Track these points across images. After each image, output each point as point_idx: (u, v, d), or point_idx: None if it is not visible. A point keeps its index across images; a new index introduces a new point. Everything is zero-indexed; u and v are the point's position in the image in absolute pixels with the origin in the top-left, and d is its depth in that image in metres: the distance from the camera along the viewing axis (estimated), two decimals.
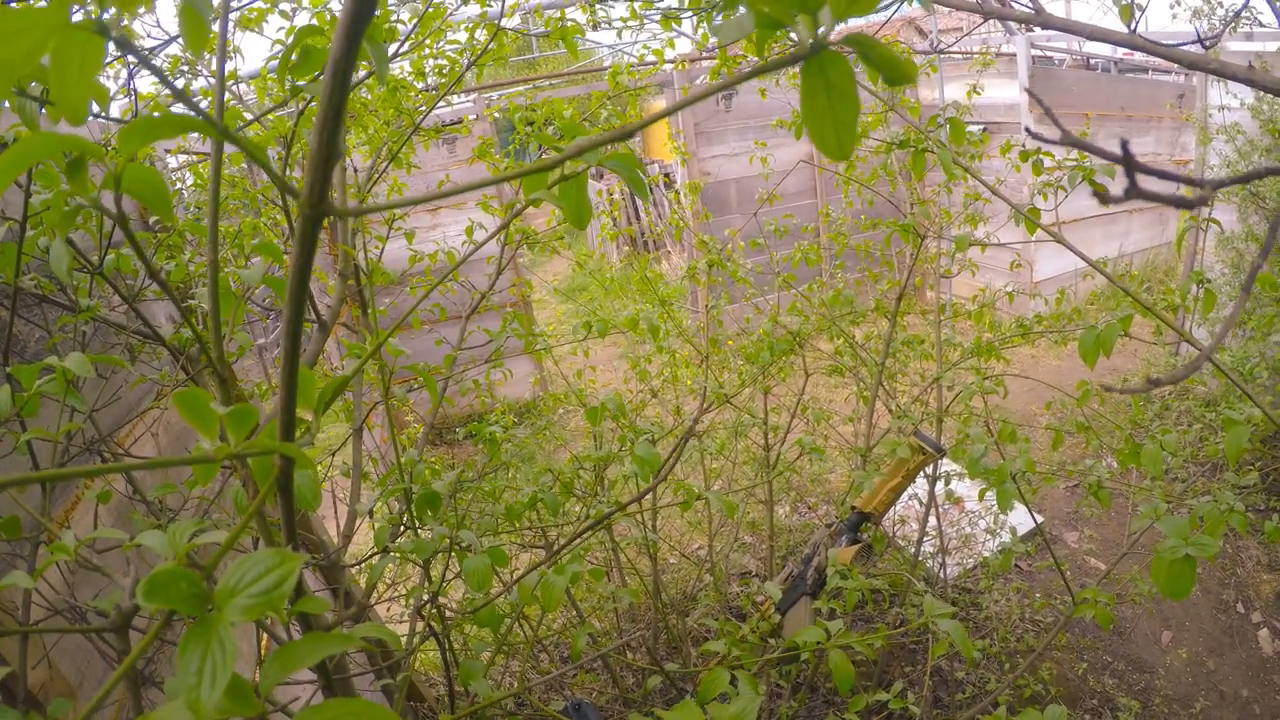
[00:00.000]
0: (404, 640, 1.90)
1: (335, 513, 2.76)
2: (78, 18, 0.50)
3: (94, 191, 0.76)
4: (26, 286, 1.42)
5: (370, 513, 2.19)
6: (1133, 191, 0.52)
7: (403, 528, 2.04)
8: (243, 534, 0.72)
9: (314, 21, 2.16)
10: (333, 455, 2.90)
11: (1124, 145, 0.42)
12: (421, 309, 3.88)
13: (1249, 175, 0.52)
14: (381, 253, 3.40)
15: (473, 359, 3.18)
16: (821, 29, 0.45)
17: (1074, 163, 2.11)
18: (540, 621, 3.04)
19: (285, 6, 2.20)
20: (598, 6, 2.72)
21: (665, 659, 3.13)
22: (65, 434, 1.48)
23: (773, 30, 0.47)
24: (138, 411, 2.02)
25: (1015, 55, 7.26)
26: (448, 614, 1.97)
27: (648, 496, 3.22)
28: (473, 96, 6.82)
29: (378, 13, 2.23)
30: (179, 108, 3.15)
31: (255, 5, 2.25)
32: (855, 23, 3.24)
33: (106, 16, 0.52)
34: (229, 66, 2.54)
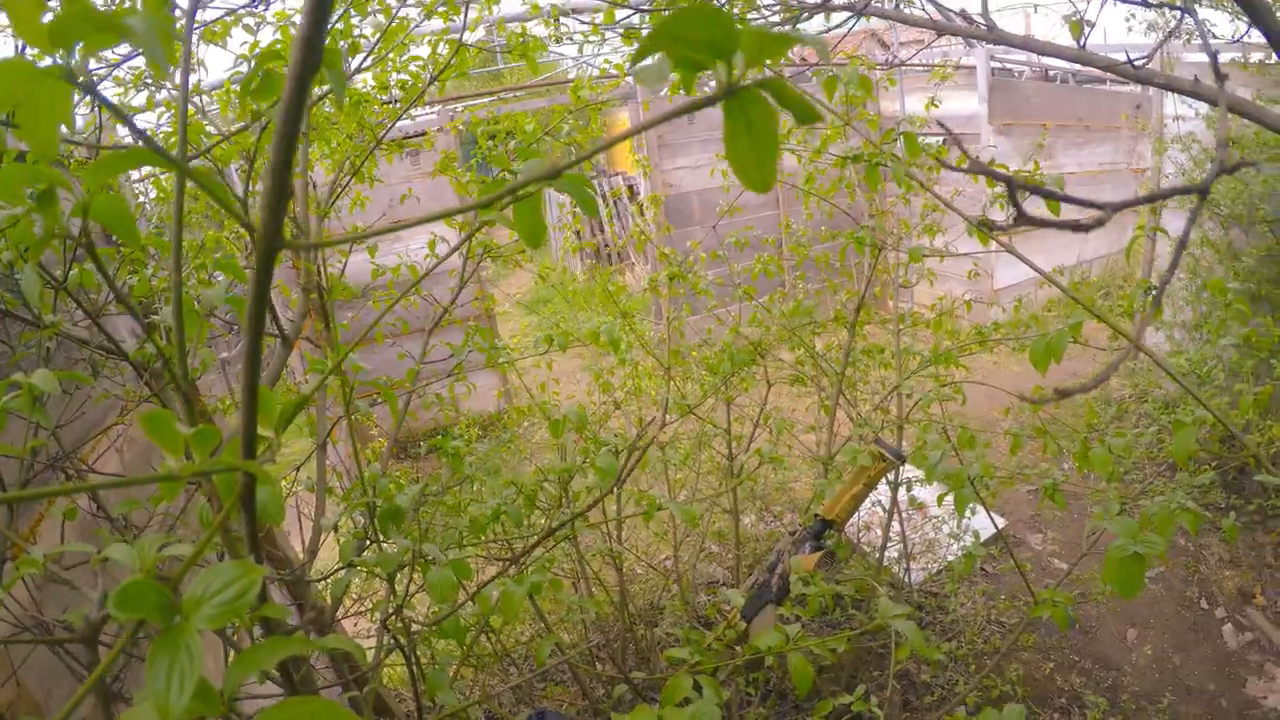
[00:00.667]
0: (370, 654, 1.90)
1: (300, 528, 2.75)
2: (47, 62, 0.52)
3: (62, 217, 0.78)
4: None
5: (335, 527, 2.18)
6: (1019, 219, 0.56)
7: (368, 542, 2.04)
8: (208, 549, 0.73)
9: (278, 36, 2.17)
10: (297, 470, 2.88)
11: (1008, 177, 0.45)
12: (384, 323, 3.87)
13: (1151, 196, 0.56)
14: (344, 267, 3.40)
15: (435, 373, 3.18)
16: (736, 72, 0.48)
17: (1027, 173, 2.18)
18: (508, 633, 3.04)
19: (250, 21, 2.20)
20: (560, 20, 2.75)
21: (634, 669, 3.14)
22: (31, 450, 1.47)
23: (694, 72, 0.50)
24: (101, 427, 2.01)
25: (975, 68, 7.41)
26: (414, 627, 1.97)
27: (611, 508, 3.24)
28: (436, 109, 6.82)
29: (341, 26, 2.24)
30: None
31: (221, 19, 2.25)
32: (829, 34, 3.30)
33: (74, 62, 0.54)
34: (192, 79, 2.53)
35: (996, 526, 2.41)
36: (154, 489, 1.74)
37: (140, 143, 0.64)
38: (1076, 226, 0.47)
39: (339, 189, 2.75)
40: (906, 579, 3.54)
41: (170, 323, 1.33)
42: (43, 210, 0.72)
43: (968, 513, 2.04)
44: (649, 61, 0.51)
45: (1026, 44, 1.91)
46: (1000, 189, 2.25)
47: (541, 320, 8.51)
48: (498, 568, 3.56)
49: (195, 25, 2.32)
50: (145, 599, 0.63)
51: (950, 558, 3.93)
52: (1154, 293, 1.86)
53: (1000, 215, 2.30)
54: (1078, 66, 9.82)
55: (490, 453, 3.77)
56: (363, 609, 3.29)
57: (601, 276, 4.40)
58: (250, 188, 2.05)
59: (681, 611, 3.51)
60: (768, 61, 0.51)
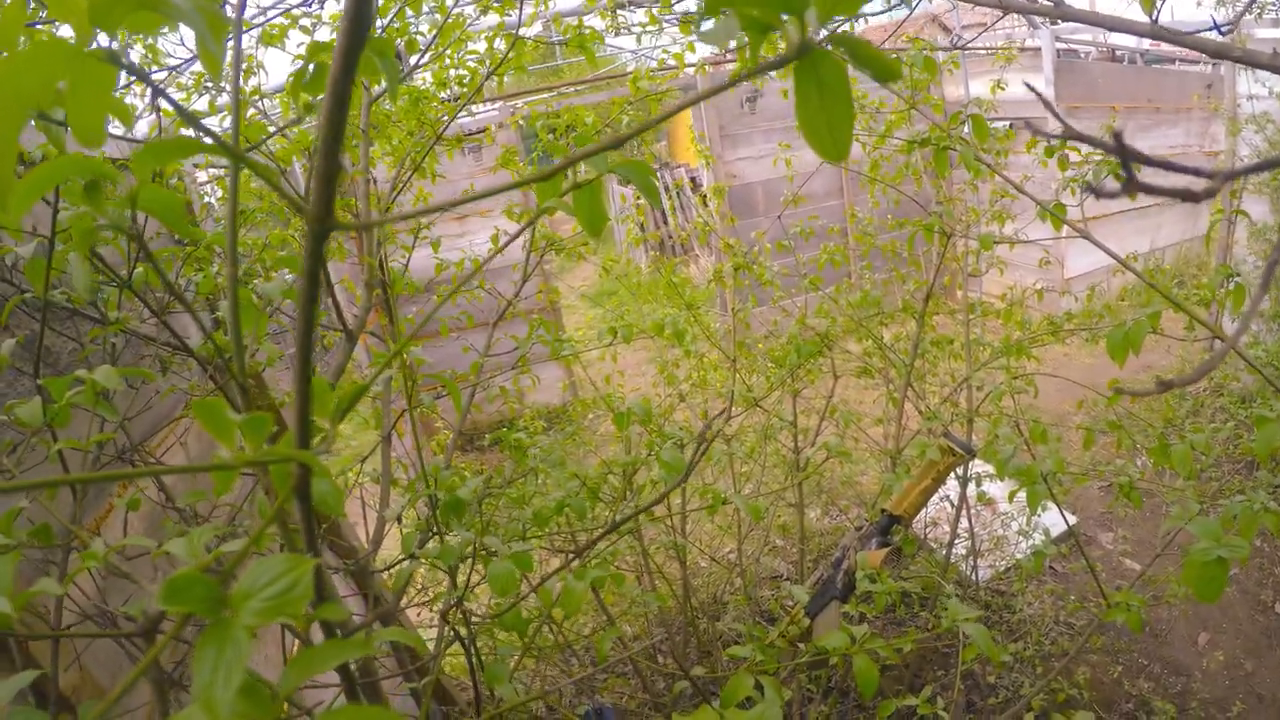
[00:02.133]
0: (431, 644, 1.92)
1: (365, 519, 2.79)
2: (100, 42, 0.51)
3: (113, 209, 0.78)
4: (57, 300, 1.45)
5: (399, 519, 2.20)
6: (1130, 186, 0.52)
7: (431, 533, 2.06)
8: (265, 540, 0.73)
9: (334, 36, 2.19)
10: (362, 462, 2.92)
11: (1117, 136, 0.41)
12: (449, 317, 3.91)
13: (1259, 166, 0.51)
14: (408, 262, 3.43)
15: (499, 366, 3.20)
16: (810, 30, 0.45)
17: (1100, 157, 2.08)
18: (570, 625, 3.05)
19: (306, 22, 2.23)
20: (617, 13, 2.73)
21: (696, 664, 3.12)
22: (96, 444, 1.51)
23: (762, 33, 0.47)
24: (168, 421, 2.06)
25: (1040, 49, 7.17)
26: (474, 618, 1.98)
27: (675, 501, 3.22)
28: (497, 105, 6.86)
29: (396, 24, 2.26)
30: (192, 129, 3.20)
31: (277, 22, 2.28)
32: (877, 20, 3.22)
33: (116, 45, 0.53)
34: (253, 82, 2.58)
35: (1067, 523, 2.32)
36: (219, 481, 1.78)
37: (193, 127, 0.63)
38: (1187, 195, 0.43)
39: (400, 185, 2.78)
40: (973, 576, 3.44)
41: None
42: (90, 201, 0.72)
43: (1038, 509, 1.97)
44: (712, 24, 0.49)
45: (1097, 19, 1.82)
46: (1074, 173, 2.16)
47: (605, 313, 8.53)
48: (561, 560, 3.58)
49: (252, 28, 2.37)
50: (193, 592, 0.62)
51: (1019, 555, 3.81)
52: (1236, 279, 1.76)
53: (1072, 200, 2.21)
54: (1146, 45, 9.45)
55: (554, 445, 3.77)
56: (426, 599, 3.33)
57: (666, 268, 4.38)
58: (309, 185, 2.08)
59: (744, 606, 3.47)
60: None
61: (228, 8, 1.28)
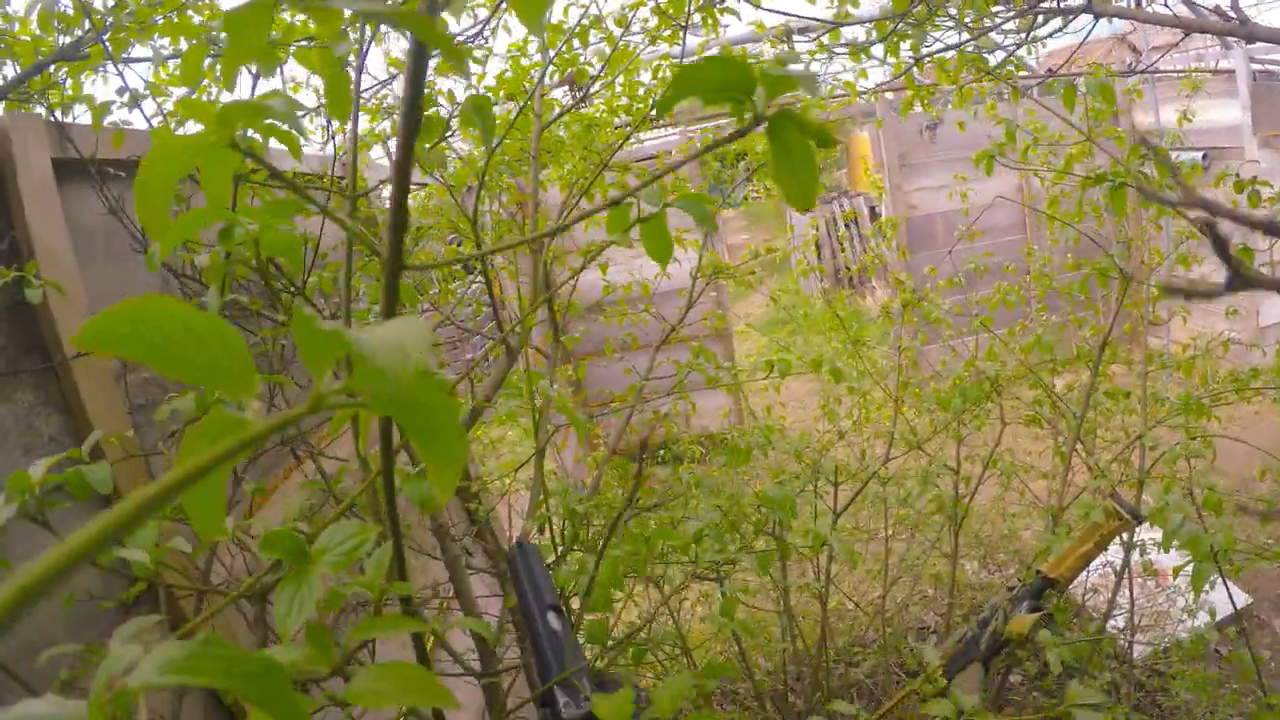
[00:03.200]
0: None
1: (509, 524, 2.92)
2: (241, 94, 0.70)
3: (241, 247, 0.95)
4: (240, 300, 1.64)
5: (541, 529, 2.29)
6: (1236, 283, 0.49)
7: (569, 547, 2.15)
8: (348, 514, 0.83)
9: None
10: (516, 471, 3.05)
11: (1214, 233, 0.39)
12: (614, 337, 4.01)
13: None
14: (575, 283, 3.56)
15: (656, 390, 3.25)
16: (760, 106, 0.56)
17: None
18: (702, 654, 3.04)
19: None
20: (786, 41, 2.74)
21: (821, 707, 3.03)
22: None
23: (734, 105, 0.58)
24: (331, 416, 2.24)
25: (1235, 72, 6.52)
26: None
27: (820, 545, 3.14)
28: (678, 130, 6.96)
29: (567, 55, 2.37)
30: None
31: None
32: (1064, 41, 3.05)
33: (241, 135, 0.68)
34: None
35: (1233, 604, 2.09)
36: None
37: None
38: None
39: (569, 208, 2.90)
40: (1129, 652, 3.15)
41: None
42: (223, 242, 0.91)
43: (1206, 587, 1.80)
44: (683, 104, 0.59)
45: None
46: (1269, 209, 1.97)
47: (771, 343, 8.47)
48: (706, 587, 3.58)
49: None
50: (283, 544, 0.76)
51: (1181, 634, 3.44)
52: None
53: (1261, 244, 2.01)
54: None
55: (709, 473, 3.77)
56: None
57: (836, 300, 4.31)
58: (479, 206, 2.21)
59: (883, 656, 3.35)
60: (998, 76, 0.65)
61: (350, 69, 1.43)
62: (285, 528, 0.78)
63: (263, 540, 0.76)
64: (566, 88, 2.80)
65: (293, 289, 1.65)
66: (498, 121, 2.09)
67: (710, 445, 6.25)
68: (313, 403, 0.40)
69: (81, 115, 1.83)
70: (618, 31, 2.32)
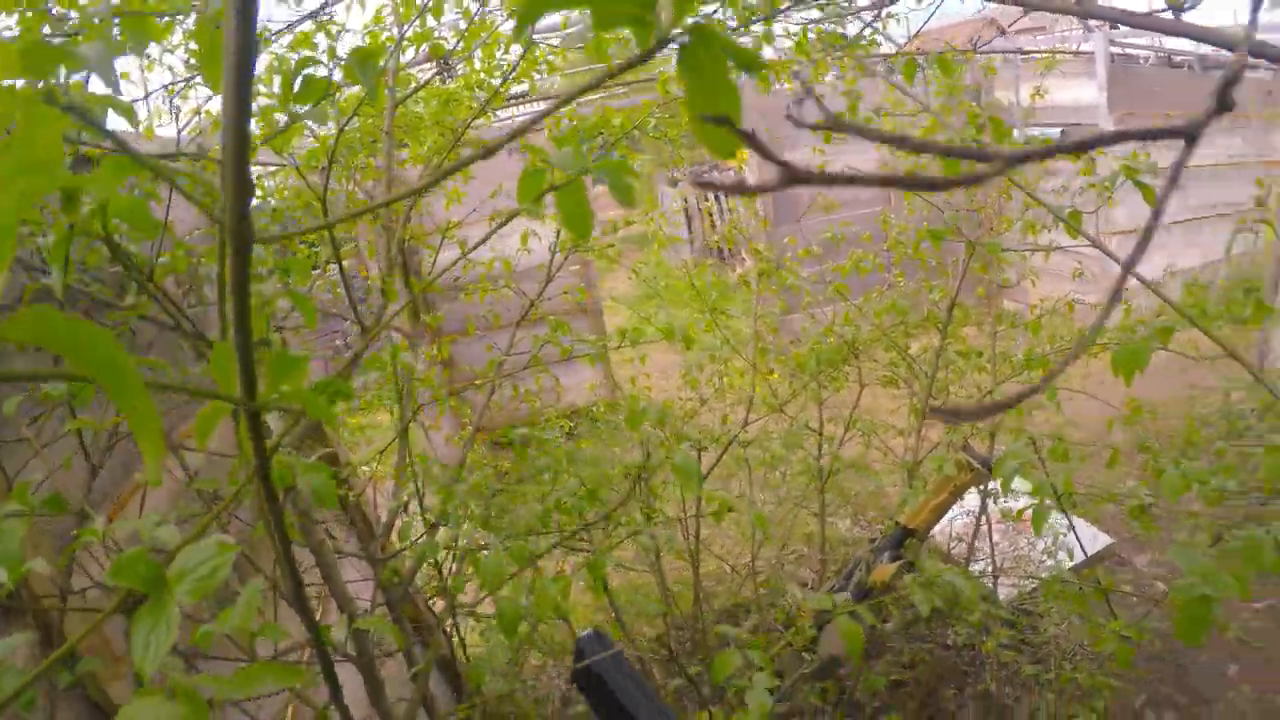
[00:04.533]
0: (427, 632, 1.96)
1: (376, 508, 2.86)
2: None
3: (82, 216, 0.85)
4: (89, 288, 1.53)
5: (405, 509, 2.25)
6: None
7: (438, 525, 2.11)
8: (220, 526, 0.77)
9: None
10: (380, 454, 2.97)
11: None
12: (476, 315, 3.94)
13: None
14: (435, 261, 3.48)
15: (516, 365, 3.22)
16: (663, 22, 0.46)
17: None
18: (581, 622, 3.07)
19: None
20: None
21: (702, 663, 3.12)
22: (116, 424, 1.59)
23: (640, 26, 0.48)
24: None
25: (1094, 54, 7.01)
26: (464, 610, 2.02)
27: (690, 506, 3.21)
28: (546, 105, 6.85)
29: (420, 29, 2.30)
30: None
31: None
32: (934, 24, 3.17)
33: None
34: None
35: (1083, 549, 2.27)
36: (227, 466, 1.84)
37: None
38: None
39: (424, 185, 2.82)
40: (994, 593, 3.37)
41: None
42: (67, 212, 0.79)
43: (1063, 529, 1.94)
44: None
45: (1130, 20, 1.75)
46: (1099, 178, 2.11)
47: (635, 315, 8.54)
48: (578, 559, 3.61)
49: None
50: (136, 570, 0.69)
51: (1044, 575, 3.72)
52: (1256, 295, 1.72)
53: (1089, 208, 2.17)
54: (1205, 51, 9.14)
55: (576, 446, 3.78)
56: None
57: (695, 273, 4.37)
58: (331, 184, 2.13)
59: (762, 615, 3.47)
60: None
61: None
62: (138, 549, 0.70)
63: (112, 568, 0.68)
64: (429, 64, 2.71)
65: (143, 274, 1.55)
66: (344, 98, 2.00)
67: (577, 419, 6.27)
68: None
69: None
70: (474, 5, 2.26)
